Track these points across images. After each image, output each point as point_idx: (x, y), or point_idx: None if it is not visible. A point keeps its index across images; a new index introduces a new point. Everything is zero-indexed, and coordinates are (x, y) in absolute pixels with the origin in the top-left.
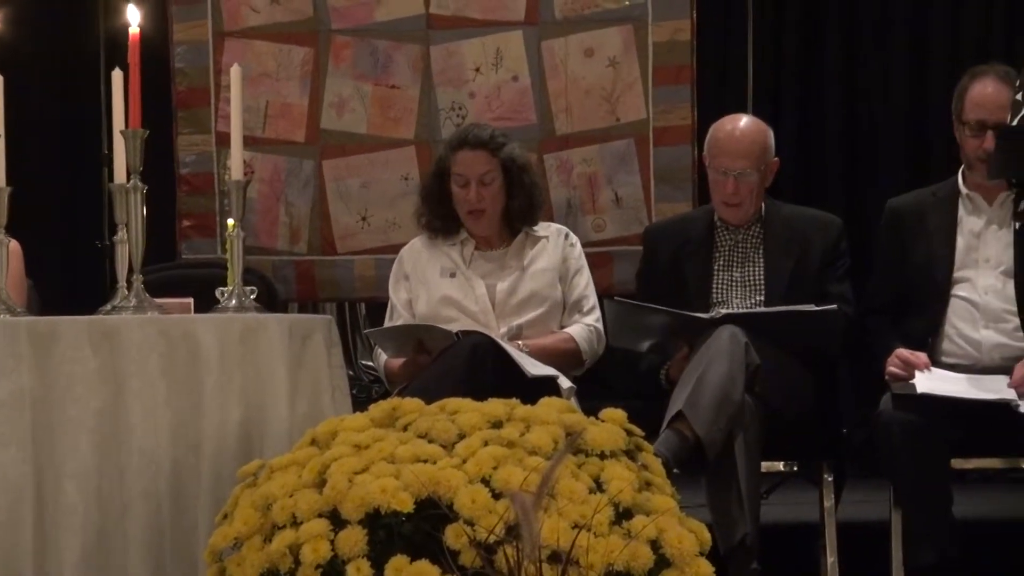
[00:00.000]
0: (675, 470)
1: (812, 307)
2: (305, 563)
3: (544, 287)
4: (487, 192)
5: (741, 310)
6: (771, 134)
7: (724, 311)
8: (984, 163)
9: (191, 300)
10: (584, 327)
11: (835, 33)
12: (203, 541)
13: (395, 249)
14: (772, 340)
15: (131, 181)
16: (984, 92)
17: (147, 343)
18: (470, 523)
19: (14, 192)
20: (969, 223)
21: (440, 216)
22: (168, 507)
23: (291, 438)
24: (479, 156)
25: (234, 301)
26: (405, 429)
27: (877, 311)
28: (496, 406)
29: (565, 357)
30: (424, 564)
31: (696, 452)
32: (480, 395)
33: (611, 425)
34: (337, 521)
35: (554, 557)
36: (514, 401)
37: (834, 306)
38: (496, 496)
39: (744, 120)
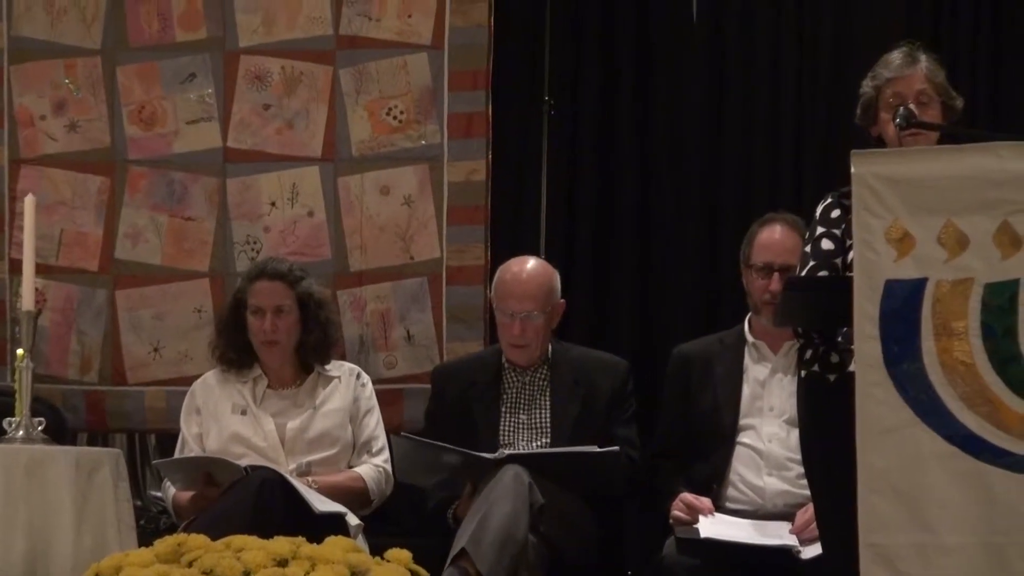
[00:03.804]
0: None
1: (594, 449)
2: None
3: (335, 427)
4: (282, 323)
5: (525, 451)
6: (557, 276)
7: (508, 452)
8: (770, 306)
9: None
10: (373, 467)
11: (629, 176)
12: None
13: (187, 381)
14: (556, 480)
15: None
16: (772, 237)
17: None
18: None
19: None
20: (755, 371)
21: (235, 348)
22: None
23: (76, 571)
24: (276, 287)
25: (21, 432)
26: (190, 565)
27: (664, 455)
28: (282, 544)
29: (353, 496)
30: None
31: None
32: (268, 530)
33: (396, 565)
34: None
35: None
36: (300, 539)
37: (616, 448)
38: None
39: (531, 263)
